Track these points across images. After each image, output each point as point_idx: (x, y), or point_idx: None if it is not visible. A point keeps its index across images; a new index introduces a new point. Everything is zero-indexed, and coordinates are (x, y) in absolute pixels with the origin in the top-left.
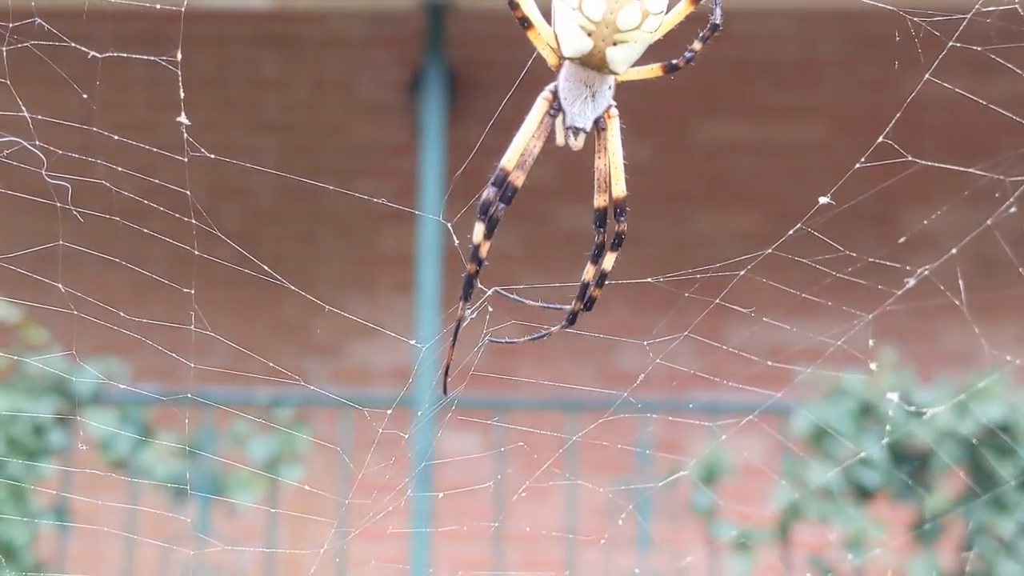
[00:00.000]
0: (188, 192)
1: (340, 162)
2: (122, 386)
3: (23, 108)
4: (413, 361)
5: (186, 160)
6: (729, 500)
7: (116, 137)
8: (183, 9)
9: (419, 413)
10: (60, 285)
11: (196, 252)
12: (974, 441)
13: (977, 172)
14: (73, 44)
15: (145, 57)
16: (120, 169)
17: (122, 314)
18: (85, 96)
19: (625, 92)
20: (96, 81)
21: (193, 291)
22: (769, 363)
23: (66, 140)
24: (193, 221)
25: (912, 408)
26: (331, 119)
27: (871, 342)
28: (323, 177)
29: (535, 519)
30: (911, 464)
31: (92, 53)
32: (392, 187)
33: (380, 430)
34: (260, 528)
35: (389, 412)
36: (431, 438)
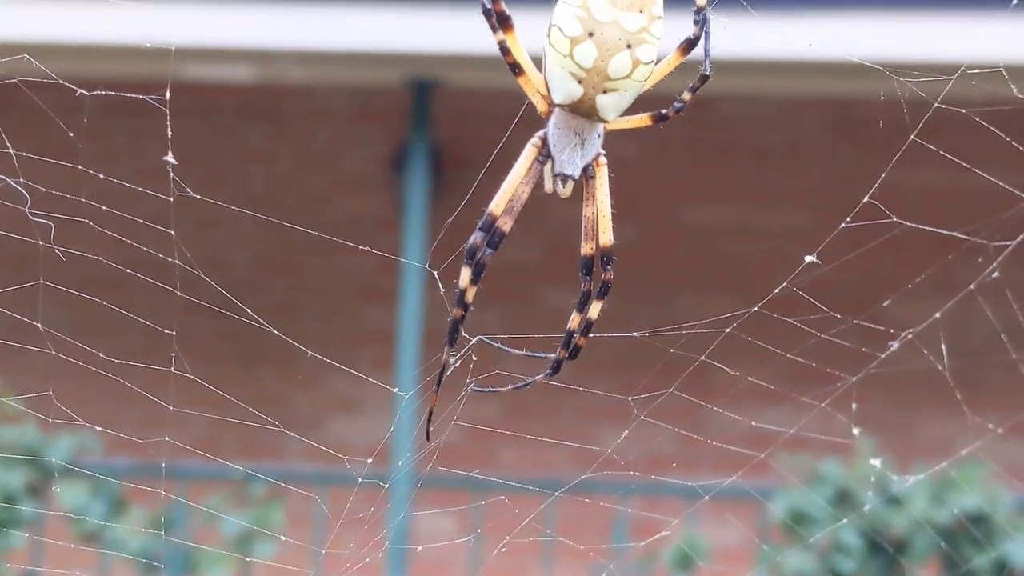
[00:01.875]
0: (176, 260)
1: (322, 235)
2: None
3: (18, 174)
4: (393, 430)
5: (171, 199)
6: None
7: (104, 207)
8: (173, 49)
9: (389, 488)
10: (40, 325)
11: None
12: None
13: (960, 236)
14: (61, 81)
15: (133, 96)
16: (109, 232)
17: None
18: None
19: (609, 172)
20: (80, 146)
21: (172, 368)
22: (749, 451)
23: (53, 205)
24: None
25: (897, 481)
26: (314, 192)
27: (856, 430)
28: (305, 250)
29: None
30: (888, 552)
31: (79, 91)
32: (373, 261)
33: (349, 504)
34: None
35: (358, 489)
36: (407, 517)
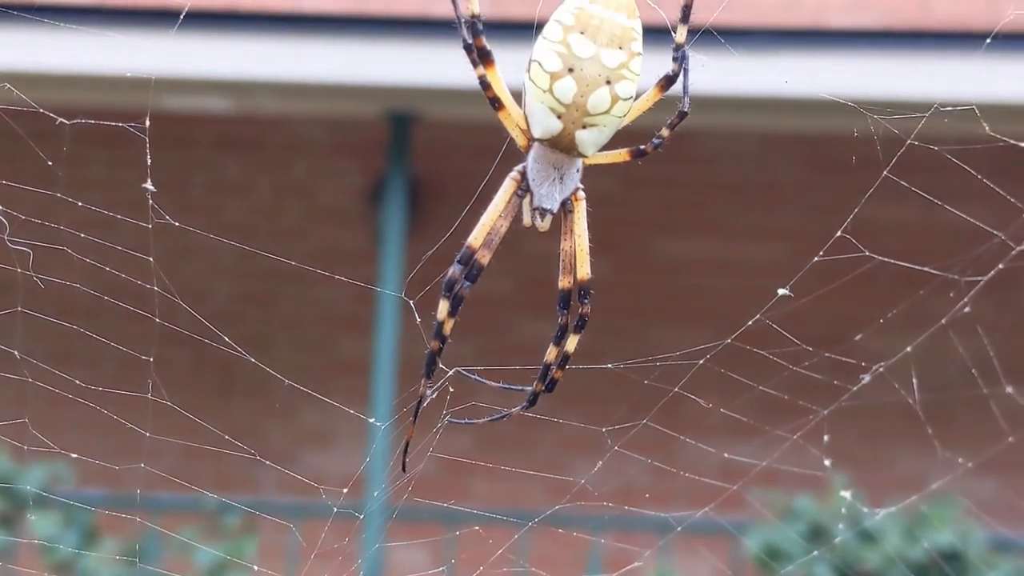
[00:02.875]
0: (154, 283)
1: (299, 267)
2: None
3: None
4: (368, 452)
5: (150, 226)
6: None
7: (82, 235)
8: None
9: (364, 520)
10: (16, 352)
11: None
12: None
13: (932, 271)
14: (41, 110)
15: (113, 124)
16: (88, 260)
17: (79, 388)
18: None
19: (588, 207)
20: (59, 174)
21: (149, 395)
22: (722, 484)
23: (32, 233)
24: (157, 319)
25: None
26: (291, 224)
27: (827, 462)
28: (281, 281)
29: None
30: None
31: (59, 120)
32: (349, 292)
33: (323, 536)
34: None
35: (332, 521)
36: (381, 549)
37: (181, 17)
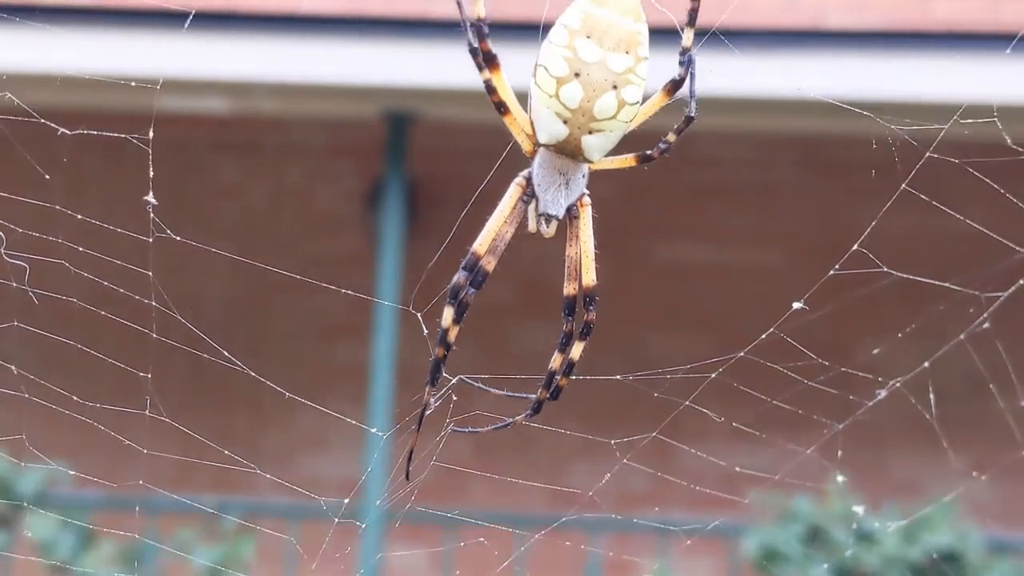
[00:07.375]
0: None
1: (295, 271)
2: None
3: None
4: (364, 467)
5: (150, 240)
6: None
7: (80, 248)
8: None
9: (364, 525)
10: (14, 367)
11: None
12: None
13: (953, 287)
14: (44, 121)
15: (114, 135)
16: (85, 274)
17: (76, 398)
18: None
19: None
20: (53, 179)
21: (147, 411)
22: (722, 490)
23: (28, 246)
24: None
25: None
26: (288, 228)
27: (840, 479)
28: (277, 287)
29: None
30: None
31: (61, 130)
32: (347, 297)
33: (323, 540)
34: None
35: (328, 525)
36: (378, 552)
37: (174, 17)
